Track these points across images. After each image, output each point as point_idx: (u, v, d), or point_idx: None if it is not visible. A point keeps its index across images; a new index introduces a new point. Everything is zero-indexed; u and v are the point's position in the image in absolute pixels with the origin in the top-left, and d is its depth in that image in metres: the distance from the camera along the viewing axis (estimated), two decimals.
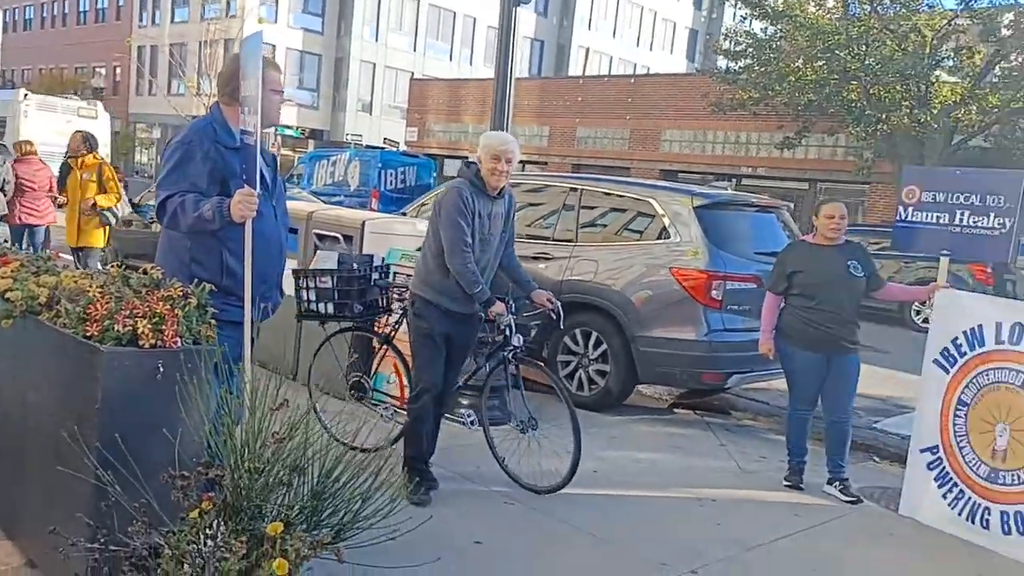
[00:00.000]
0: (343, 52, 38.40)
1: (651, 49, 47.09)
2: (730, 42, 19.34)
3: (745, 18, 20.92)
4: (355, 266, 4.96)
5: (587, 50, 44.19)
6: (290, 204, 6.63)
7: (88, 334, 2.64)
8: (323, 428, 4.26)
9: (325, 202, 12.96)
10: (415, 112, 30.17)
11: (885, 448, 6.04)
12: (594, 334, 6.40)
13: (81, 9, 46.41)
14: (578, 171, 21.21)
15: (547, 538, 3.87)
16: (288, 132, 34.82)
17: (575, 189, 6.91)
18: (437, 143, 28.71)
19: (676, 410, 6.94)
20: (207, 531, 2.05)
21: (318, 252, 5.41)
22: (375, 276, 5.02)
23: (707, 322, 6.01)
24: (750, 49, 18.23)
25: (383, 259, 5.44)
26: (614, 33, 45.69)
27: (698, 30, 48.69)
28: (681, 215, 6.25)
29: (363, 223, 5.78)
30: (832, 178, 20.66)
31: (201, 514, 2.13)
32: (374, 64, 39.02)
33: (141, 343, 2.71)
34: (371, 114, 39.14)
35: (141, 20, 40.90)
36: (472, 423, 4.66)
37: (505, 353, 4.34)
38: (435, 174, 19.33)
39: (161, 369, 2.65)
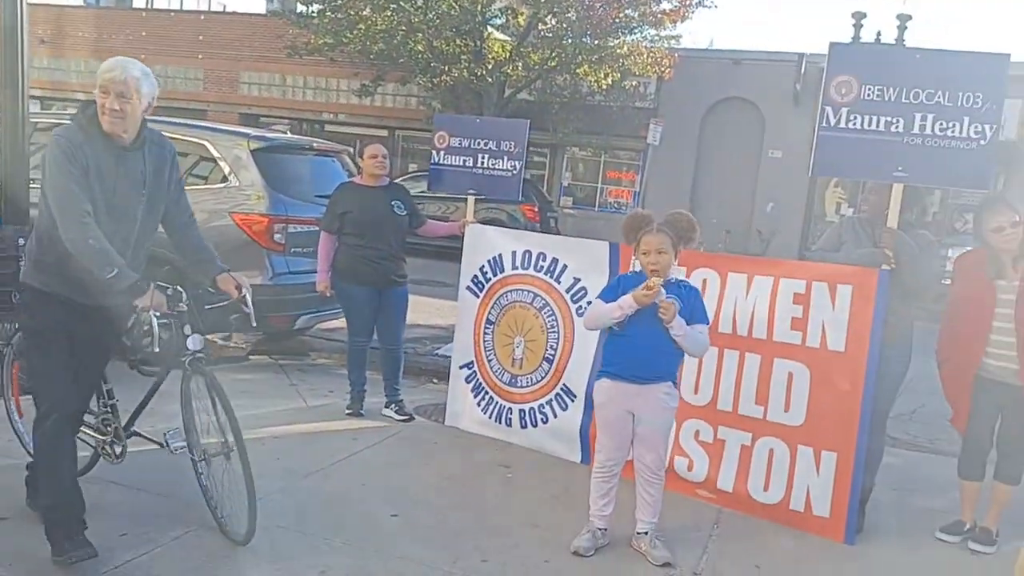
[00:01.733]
0: None
1: None
2: None
3: None
4: (20, 241, 3.89)
5: None
6: None
7: None
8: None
9: None
10: None
11: (443, 370, 6.71)
12: (151, 284, 6.09)
13: None
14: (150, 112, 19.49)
15: (92, 504, 3.67)
16: None
17: None
18: None
19: (251, 357, 6.94)
20: None
21: None
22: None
23: (271, 266, 6.08)
24: None
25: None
26: None
27: None
28: (240, 159, 6.18)
29: None
30: (408, 126, 21.83)
31: None
32: None
33: None
34: None
35: None
36: (178, 446, 3.51)
37: (183, 360, 3.33)
38: None
39: None
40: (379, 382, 5.50)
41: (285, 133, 9.52)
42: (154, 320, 3.09)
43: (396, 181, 5.59)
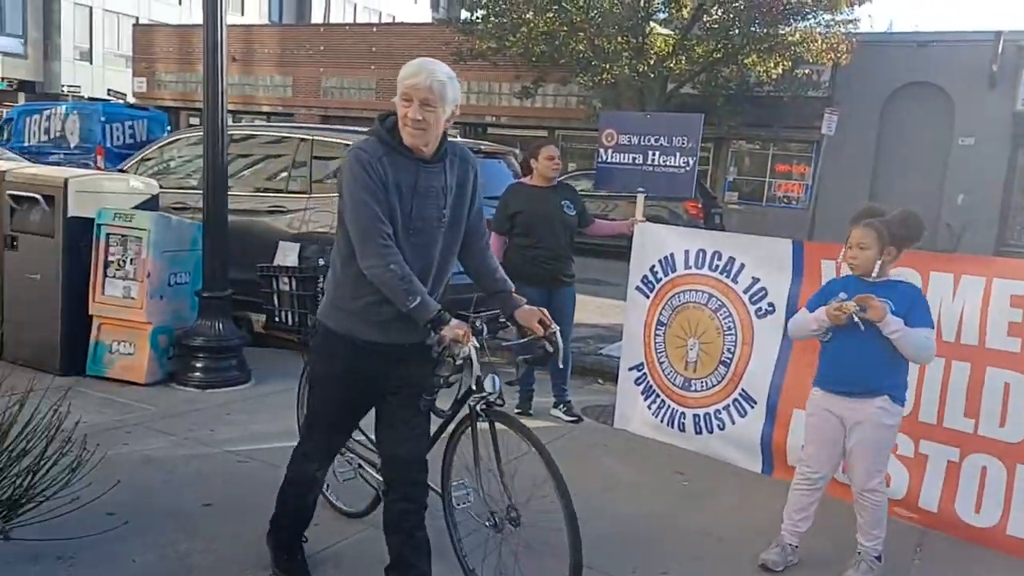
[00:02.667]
0: None
1: None
2: None
3: None
4: (320, 261, 3.57)
5: None
6: None
7: None
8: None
9: (39, 161, 11.72)
10: (142, 61, 27.75)
11: (608, 371, 6.61)
12: None
13: None
14: (327, 122, 20.70)
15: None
16: None
17: (305, 140, 6.78)
18: (170, 94, 26.65)
19: None
20: None
21: (280, 243, 3.94)
22: None
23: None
24: None
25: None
26: None
27: None
28: None
29: (65, 181, 5.29)
30: (568, 125, 21.87)
31: None
32: (90, 7, 35.06)
33: None
34: (91, 63, 35.30)
35: None
36: (466, 504, 3.09)
37: (472, 405, 2.87)
38: (168, 128, 17.99)
39: None
40: (546, 382, 5.47)
41: (455, 137, 9.68)
42: (474, 353, 2.67)
43: (564, 181, 5.54)
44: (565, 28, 16.75)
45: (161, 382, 5.32)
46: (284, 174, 6.76)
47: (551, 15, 16.64)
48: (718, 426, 4.74)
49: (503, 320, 2.92)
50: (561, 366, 3.06)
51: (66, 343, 5.31)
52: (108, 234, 5.32)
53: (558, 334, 2.84)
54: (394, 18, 40.45)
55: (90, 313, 5.34)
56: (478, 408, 2.85)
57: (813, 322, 3.30)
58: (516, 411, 5.34)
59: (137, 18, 33.67)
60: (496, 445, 2.86)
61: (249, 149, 7.08)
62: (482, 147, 7.32)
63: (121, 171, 7.33)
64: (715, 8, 16.70)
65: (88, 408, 4.73)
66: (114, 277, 5.32)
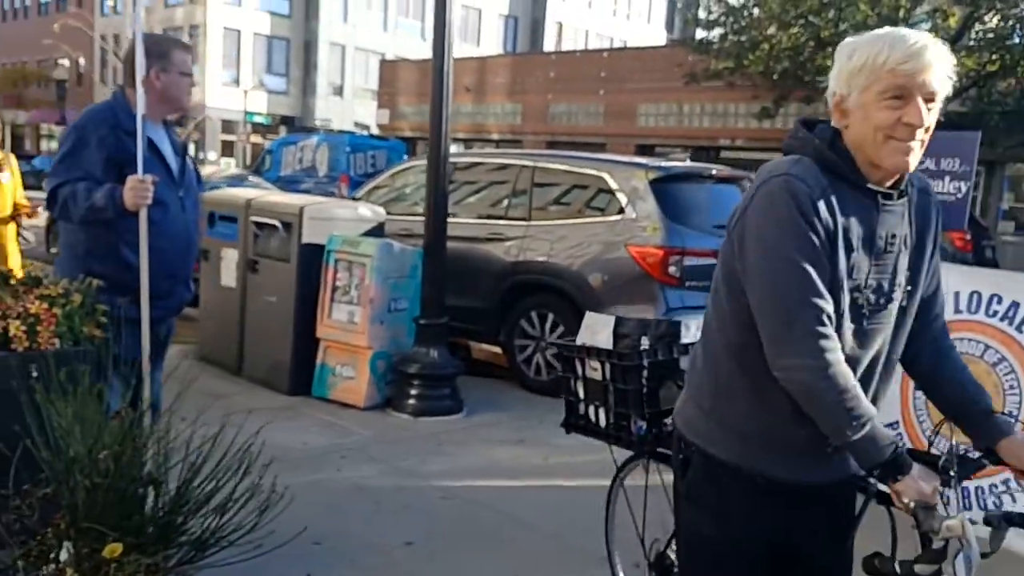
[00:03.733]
0: (311, 35, 37.86)
1: (628, 19, 46.65)
2: (705, 11, 19.08)
3: None
4: (643, 341, 2.52)
5: (561, 25, 43.76)
6: (230, 191, 6.43)
7: None
8: None
9: (291, 190, 12.75)
10: (386, 94, 29.78)
11: None
12: (550, 315, 6.19)
13: (42, 0, 45.34)
14: (553, 148, 20.98)
15: (486, 535, 3.68)
16: (258, 119, 34.40)
17: (527, 167, 6.67)
18: (409, 125, 28.33)
19: None
20: (51, 556, 1.84)
21: (587, 315, 2.81)
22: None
23: (665, 300, 5.79)
24: (723, 17, 17.97)
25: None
26: (589, 4, 45.18)
27: None
28: (637, 190, 6.03)
29: (301, 209, 5.54)
30: None
31: (50, 536, 1.92)
32: (344, 46, 38.51)
33: (14, 346, 2.61)
34: (342, 97, 38.69)
35: (103, 9, 40.12)
36: None
37: None
38: (406, 157, 19.07)
39: (35, 374, 2.48)
40: None
41: (685, 161, 9.29)
42: (969, 532, 1.51)
43: None
44: (812, 43, 15.68)
45: (378, 407, 5.37)
46: (505, 201, 6.69)
47: (796, 30, 15.66)
48: (994, 502, 3.94)
49: (979, 457, 1.79)
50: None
51: (295, 364, 5.51)
52: (336, 260, 5.48)
53: None
54: (625, 43, 40.60)
55: (317, 336, 5.52)
56: None
57: None
58: None
59: (384, 54, 36.40)
60: None
61: (474, 176, 7.11)
62: (713, 172, 6.84)
63: (354, 199, 7.65)
64: (990, 15, 14.87)
65: (310, 429, 4.89)
66: (340, 302, 5.46)
